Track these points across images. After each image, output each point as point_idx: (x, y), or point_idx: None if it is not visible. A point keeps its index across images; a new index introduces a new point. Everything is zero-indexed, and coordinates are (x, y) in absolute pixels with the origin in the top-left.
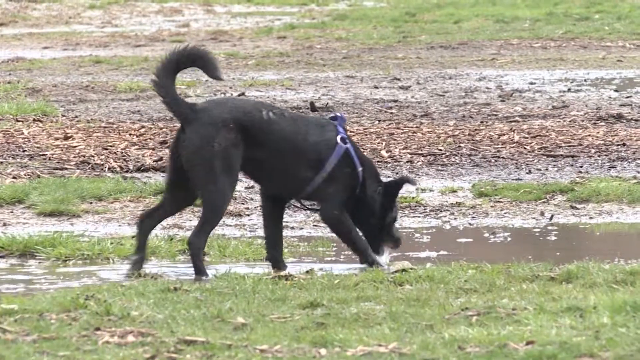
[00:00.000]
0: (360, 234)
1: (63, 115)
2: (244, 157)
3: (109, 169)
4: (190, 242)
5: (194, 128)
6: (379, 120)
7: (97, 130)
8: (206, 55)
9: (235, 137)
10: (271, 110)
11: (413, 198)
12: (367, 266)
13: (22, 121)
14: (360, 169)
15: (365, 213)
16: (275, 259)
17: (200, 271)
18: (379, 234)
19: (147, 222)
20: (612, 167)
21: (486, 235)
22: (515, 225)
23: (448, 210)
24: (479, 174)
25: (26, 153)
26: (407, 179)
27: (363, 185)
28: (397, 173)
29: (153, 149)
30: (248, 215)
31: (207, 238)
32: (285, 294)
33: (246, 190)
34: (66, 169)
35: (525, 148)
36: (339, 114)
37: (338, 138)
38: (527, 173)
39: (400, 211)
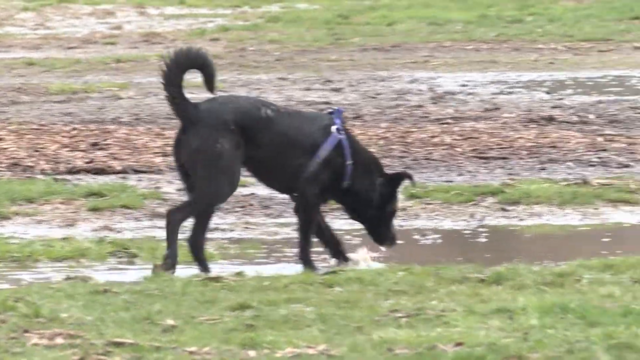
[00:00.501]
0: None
1: None
2: (246, 156)
3: (40, 171)
4: (189, 243)
5: (197, 129)
6: None
7: (28, 132)
8: (212, 65)
9: (236, 138)
10: (269, 107)
11: None
12: (301, 262)
13: None
14: (349, 162)
15: (362, 205)
16: (339, 253)
17: (204, 268)
18: (377, 226)
19: (174, 221)
20: (543, 169)
21: (416, 237)
22: (445, 227)
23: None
24: None
25: None
26: (408, 174)
27: (357, 179)
28: None
29: (84, 151)
30: None
31: (204, 234)
32: (215, 296)
33: (177, 192)
34: None
35: (456, 150)
36: (337, 108)
37: (333, 128)
38: (458, 175)
39: (331, 214)
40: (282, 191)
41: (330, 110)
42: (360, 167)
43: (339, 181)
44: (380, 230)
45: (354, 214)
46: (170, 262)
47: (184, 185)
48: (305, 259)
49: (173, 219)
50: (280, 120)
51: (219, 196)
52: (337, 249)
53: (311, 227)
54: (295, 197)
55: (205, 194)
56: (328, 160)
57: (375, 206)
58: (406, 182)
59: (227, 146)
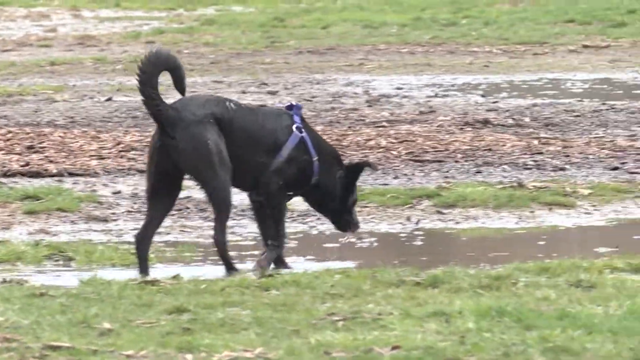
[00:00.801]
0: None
1: None
2: None
3: None
4: (215, 241)
5: (183, 129)
6: None
7: None
8: (182, 67)
9: (217, 130)
10: (231, 101)
11: None
12: (268, 256)
13: None
14: (315, 158)
15: (327, 198)
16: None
17: (230, 267)
18: (341, 216)
19: (143, 242)
20: (479, 172)
21: (353, 240)
22: (381, 230)
23: (315, 216)
24: None
25: None
26: (367, 163)
27: (322, 174)
28: None
29: (20, 154)
30: (115, 220)
31: (226, 231)
32: (152, 299)
33: (113, 195)
34: None
35: (392, 153)
36: (294, 103)
37: (294, 127)
38: (393, 178)
39: None
40: (245, 188)
41: (287, 105)
42: (324, 162)
43: (307, 178)
44: (344, 219)
45: (318, 206)
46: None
47: (150, 187)
48: (273, 252)
49: (219, 245)
50: (242, 116)
51: (228, 188)
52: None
53: (283, 219)
54: (255, 195)
55: (219, 196)
56: (292, 159)
57: (339, 197)
58: (367, 170)
59: (215, 138)
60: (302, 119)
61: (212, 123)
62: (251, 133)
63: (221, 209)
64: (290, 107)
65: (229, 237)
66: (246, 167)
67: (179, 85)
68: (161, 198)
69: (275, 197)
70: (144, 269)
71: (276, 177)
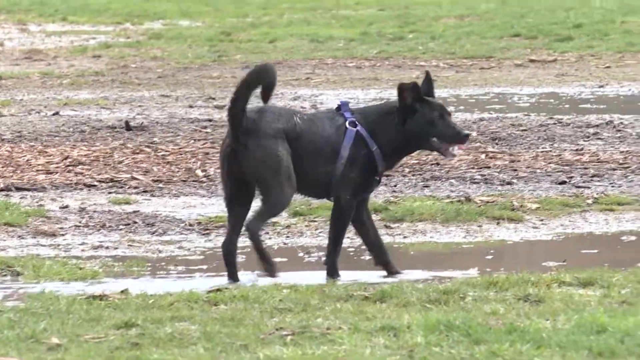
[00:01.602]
0: None
1: None
2: None
3: None
4: (247, 226)
5: (258, 140)
6: (194, 140)
7: None
8: (275, 79)
9: (287, 145)
10: (298, 115)
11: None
12: (327, 267)
13: None
14: (374, 148)
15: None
16: (385, 262)
17: (264, 256)
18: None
19: (230, 249)
20: (426, 186)
21: (301, 254)
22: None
23: (262, 230)
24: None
25: None
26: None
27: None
28: (212, 192)
29: None
30: (63, 235)
31: (263, 225)
32: (100, 314)
33: (60, 210)
34: None
35: None
36: (341, 101)
37: (347, 124)
38: None
39: (215, 231)
40: (319, 196)
41: (336, 106)
42: (384, 139)
43: (373, 171)
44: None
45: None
46: (271, 268)
47: (227, 194)
48: (331, 265)
49: (253, 229)
50: (306, 129)
51: (287, 199)
52: (381, 256)
53: (343, 232)
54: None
55: (275, 200)
56: (353, 157)
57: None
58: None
59: (285, 153)
60: (352, 112)
61: (283, 139)
62: (315, 145)
63: (269, 208)
64: (339, 107)
65: (177, 252)
66: (315, 177)
67: (266, 96)
68: (238, 204)
69: (344, 208)
70: (232, 275)
71: (344, 188)
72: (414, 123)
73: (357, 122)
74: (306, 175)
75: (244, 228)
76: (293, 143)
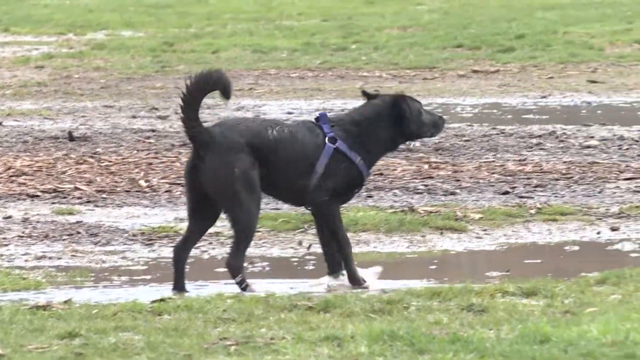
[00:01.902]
0: None
1: None
2: (261, 176)
3: None
4: (228, 264)
5: (214, 154)
6: (138, 150)
7: None
8: (227, 79)
9: (251, 159)
10: (274, 127)
11: (172, 228)
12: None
13: None
14: (358, 159)
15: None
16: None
17: (246, 287)
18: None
19: (181, 253)
20: (370, 196)
21: (245, 264)
22: (273, 254)
23: (206, 240)
24: None
25: None
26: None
27: (372, 157)
28: (155, 203)
29: None
30: (6, 245)
31: (244, 257)
32: (43, 324)
33: (3, 220)
34: None
35: None
36: (319, 113)
37: (326, 139)
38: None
39: (159, 242)
40: (295, 205)
41: (315, 117)
42: (369, 150)
43: (359, 181)
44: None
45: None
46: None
47: (190, 207)
48: (351, 273)
49: (234, 269)
50: (283, 141)
51: (252, 216)
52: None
53: (341, 228)
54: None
55: (241, 223)
56: (330, 172)
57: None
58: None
59: (246, 168)
60: (331, 124)
61: (247, 152)
62: (292, 158)
63: (240, 237)
64: (317, 118)
65: (121, 262)
66: (290, 188)
67: (227, 96)
68: (200, 217)
69: (324, 211)
70: (178, 283)
71: (318, 194)
72: (409, 126)
73: (336, 138)
74: (282, 186)
75: (225, 269)
76: (268, 155)
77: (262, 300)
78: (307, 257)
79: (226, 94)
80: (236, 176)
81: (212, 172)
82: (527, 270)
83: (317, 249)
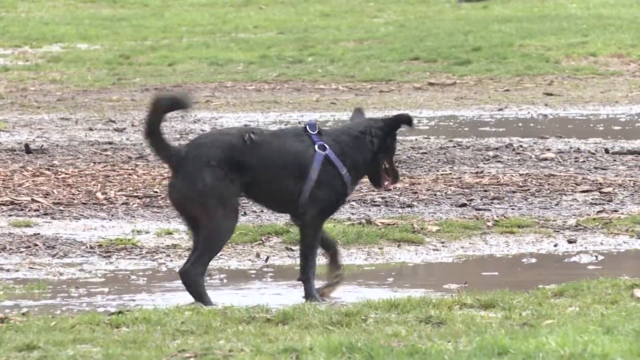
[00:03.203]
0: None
1: None
2: (243, 184)
3: None
4: (184, 271)
5: (181, 173)
6: (95, 163)
7: None
8: (186, 96)
9: (222, 171)
10: (252, 134)
11: (129, 240)
12: (304, 286)
13: None
14: (344, 171)
15: (372, 166)
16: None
17: (202, 298)
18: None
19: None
20: None
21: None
22: (231, 266)
23: (164, 252)
24: None
25: None
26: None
27: (356, 174)
28: (112, 215)
29: None
30: None
31: (204, 269)
32: (1, 337)
33: None
34: None
35: None
36: (309, 121)
37: (316, 146)
38: (243, 215)
39: (116, 253)
40: (286, 212)
41: (303, 125)
42: (353, 166)
43: (343, 195)
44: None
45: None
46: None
47: (187, 226)
48: (305, 280)
49: (190, 277)
50: (264, 146)
51: (221, 230)
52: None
53: (313, 249)
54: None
55: (209, 236)
56: (322, 180)
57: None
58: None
59: (213, 182)
60: (321, 134)
61: (215, 166)
62: (277, 162)
63: (206, 248)
64: (305, 128)
65: (77, 275)
66: (281, 196)
67: (188, 109)
68: (196, 233)
69: (310, 227)
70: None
71: (311, 207)
72: (388, 148)
73: (325, 146)
74: (269, 190)
75: (179, 273)
76: (251, 160)
77: (220, 312)
78: (265, 269)
79: (186, 110)
80: (204, 191)
81: (181, 189)
82: (484, 282)
83: (275, 260)
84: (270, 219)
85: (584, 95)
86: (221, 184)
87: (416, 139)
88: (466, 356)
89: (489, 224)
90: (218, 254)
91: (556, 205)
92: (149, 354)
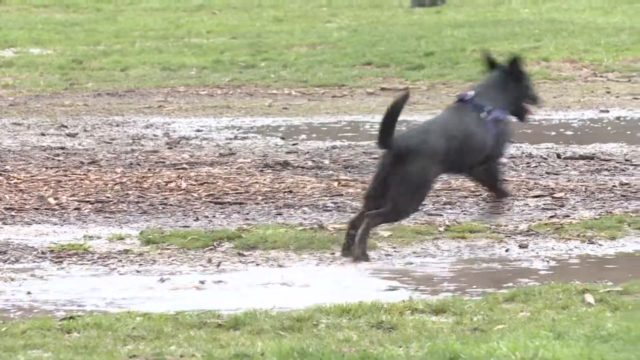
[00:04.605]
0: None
1: None
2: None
3: None
4: (366, 217)
5: (412, 161)
6: (46, 168)
7: None
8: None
9: (439, 166)
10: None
11: (81, 245)
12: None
13: None
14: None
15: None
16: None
17: (363, 252)
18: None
19: (357, 223)
20: (279, 214)
21: (154, 283)
22: (182, 272)
23: (116, 258)
24: (147, 221)
25: None
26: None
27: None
28: (64, 220)
29: None
30: None
31: (380, 224)
32: None
33: None
34: None
35: (192, 195)
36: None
37: (482, 115)
38: (194, 220)
39: (68, 259)
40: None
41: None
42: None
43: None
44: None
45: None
46: (363, 257)
47: (373, 186)
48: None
49: (366, 226)
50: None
51: (413, 209)
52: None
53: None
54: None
55: (400, 207)
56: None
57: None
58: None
59: (433, 175)
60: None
61: (433, 156)
62: (467, 144)
63: (391, 215)
64: (461, 98)
65: (28, 280)
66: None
67: None
68: (375, 200)
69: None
70: (347, 248)
71: (498, 152)
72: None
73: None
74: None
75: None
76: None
77: (171, 317)
78: (217, 274)
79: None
80: (425, 182)
81: (406, 174)
82: (436, 287)
83: (227, 266)
84: (222, 224)
85: None
86: (434, 174)
87: (368, 144)
88: None
89: (441, 229)
90: None
91: (508, 210)
92: None
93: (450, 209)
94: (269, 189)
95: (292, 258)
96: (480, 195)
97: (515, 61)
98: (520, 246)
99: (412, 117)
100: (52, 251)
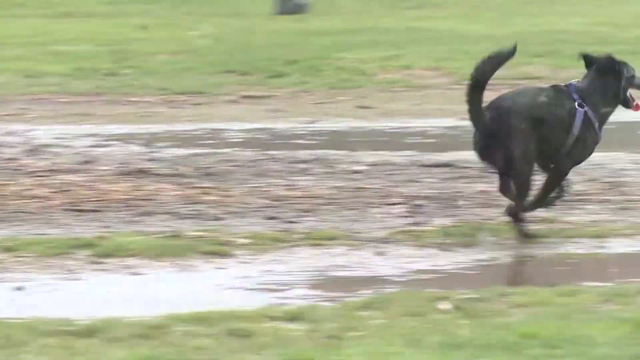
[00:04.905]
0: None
1: None
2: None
3: None
4: (507, 210)
5: (505, 131)
6: None
7: None
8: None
9: (531, 131)
10: (542, 95)
11: None
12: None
13: None
14: (597, 124)
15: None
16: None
17: (523, 232)
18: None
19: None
20: (138, 221)
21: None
22: (38, 279)
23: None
24: (3, 229)
25: None
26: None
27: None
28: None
29: None
30: None
31: (523, 205)
32: None
33: None
34: None
35: (51, 203)
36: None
37: (576, 104)
38: (52, 228)
39: None
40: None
41: (564, 84)
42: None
43: (591, 149)
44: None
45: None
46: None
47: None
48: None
49: (515, 213)
50: (548, 108)
51: (531, 177)
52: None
53: (552, 191)
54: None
55: (523, 182)
56: (579, 137)
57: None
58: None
59: (527, 144)
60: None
61: (529, 126)
62: (553, 122)
63: (521, 193)
64: (567, 86)
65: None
66: (548, 150)
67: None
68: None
69: (562, 174)
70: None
71: (569, 159)
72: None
73: (583, 104)
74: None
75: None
76: (540, 124)
77: (24, 325)
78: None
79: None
80: (529, 151)
81: (511, 153)
82: (292, 294)
83: (81, 274)
84: (81, 232)
85: (398, 108)
86: (531, 143)
87: (229, 152)
88: None
89: (299, 236)
90: None
91: (366, 217)
92: None
93: (308, 216)
94: (128, 197)
95: (150, 265)
96: (340, 203)
97: (610, 57)
98: (378, 253)
99: (274, 125)
100: None
